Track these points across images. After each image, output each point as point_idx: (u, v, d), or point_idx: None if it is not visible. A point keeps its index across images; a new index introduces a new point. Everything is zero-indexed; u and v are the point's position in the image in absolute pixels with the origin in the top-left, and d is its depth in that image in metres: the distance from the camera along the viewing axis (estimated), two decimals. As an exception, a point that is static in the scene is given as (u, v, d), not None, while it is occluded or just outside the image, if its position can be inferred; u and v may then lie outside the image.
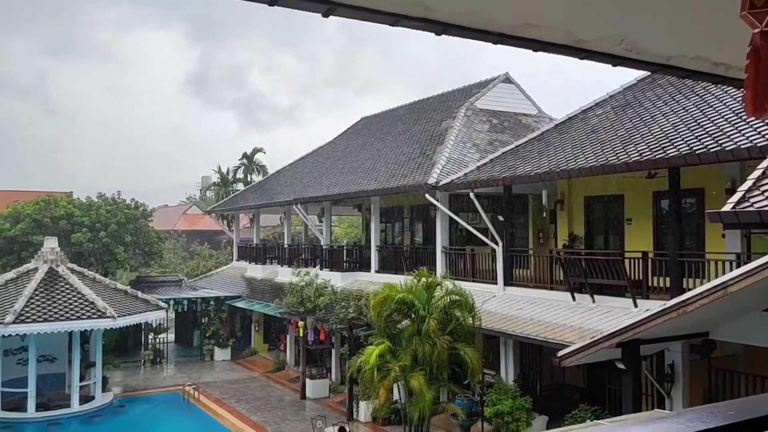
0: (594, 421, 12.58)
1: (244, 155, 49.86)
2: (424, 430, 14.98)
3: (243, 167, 49.95)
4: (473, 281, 18.55)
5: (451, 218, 20.03)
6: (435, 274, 17.64)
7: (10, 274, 22.03)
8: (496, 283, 18.10)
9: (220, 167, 50.77)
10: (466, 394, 16.24)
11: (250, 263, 33.11)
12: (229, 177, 50.18)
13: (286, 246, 30.62)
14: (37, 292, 20.30)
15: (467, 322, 15.24)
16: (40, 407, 20.25)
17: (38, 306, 19.76)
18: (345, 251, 25.75)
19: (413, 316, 14.99)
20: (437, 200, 19.55)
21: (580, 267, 15.22)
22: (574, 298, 15.35)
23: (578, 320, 14.43)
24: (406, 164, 22.64)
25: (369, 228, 25.30)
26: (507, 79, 25.68)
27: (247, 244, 35.76)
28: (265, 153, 50.41)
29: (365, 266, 24.38)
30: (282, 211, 33.07)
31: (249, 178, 49.02)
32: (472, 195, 18.00)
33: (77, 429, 19.84)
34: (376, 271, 23.37)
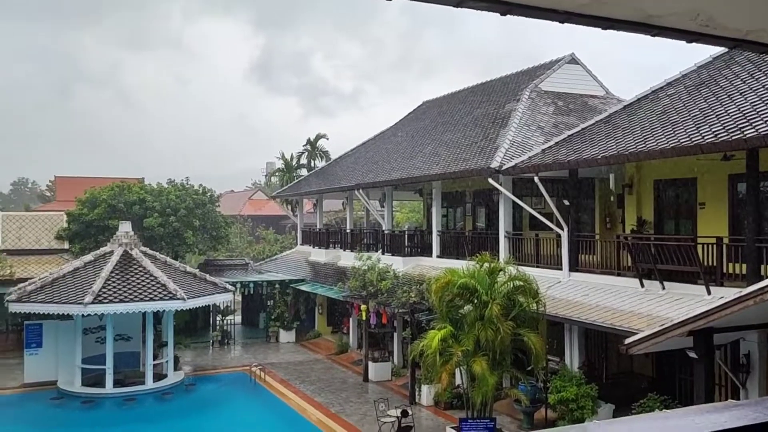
0: (664, 410, 12.25)
1: (308, 141, 50.51)
2: (487, 414, 14.93)
3: (306, 153, 50.63)
4: (537, 267, 18.27)
5: (514, 203, 19.75)
6: (498, 259, 17.46)
7: (89, 257, 23.13)
8: (560, 269, 17.77)
9: (283, 153, 51.62)
10: (530, 380, 16.08)
11: (313, 247, 33.64)
12: (293, 163, 50.96)
13: (348, 231, 30.94)
14: (113, 274, 21.25)
15: (531, 308, 15.06)
16: (117, 383, 21.28)
17: (114, 287, 20.69)
18: (406, 236, 25.80)
19: (475, 301, 14.91)
20: (500, 184, 19.29)
21: (649, 252, 14.76)
22: (642, 285, 14.91)
23: (647, 307, 14.02)
24: (468, 148, 22.42)
25: (430, 213, 25.25)
26: (573, 60, 25.01)
27: (311, 228, 36.33)
28: (328, 139, 50.95)
29: (427, 251, 24.37)
30: (344, 196, 33.38)
31: (312, 164, 49.65)
32: (536, 179, 17.68)
33: (152, 405, 20.74)
34: (438, 256, 23.34)
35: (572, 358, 16.81)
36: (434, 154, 24.72)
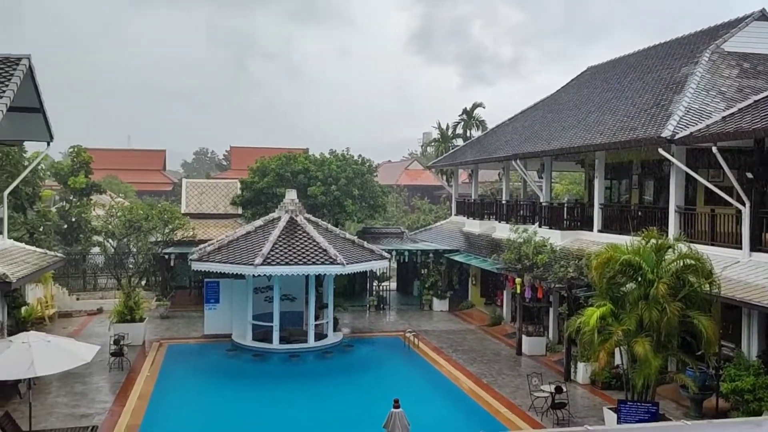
0: None
1: (464, 111, 50.14)
2: (649, 398, 14.13)
3: (462, 123, 50.33)
4: (712, 245, 16.81)
5: (687, 175, 18.23)
6: (666, 235, 16.28)
7: (259, 222, 24.89)
8: (740, 248, 16.18)
9: (439, 123, 51.75)
10: (699, 366, 14.94)
11: (467, 218, 33.57)
12: (449, 133, 50.92)
13: (503, 202, 30.44)
14: (280, 239, 22.70)
15: (703, 289, 13.90)
16: (282, 340, 22.86)
17: (281, 251, 22.10)
18: (565, 209, 24.85)
19: (639, 279, 14.05)
20: (672, 155, 17.88)
21: None
22: (841, 269, 13.17)
23: None
24: (636, 116, 20.99)
25: (592, 185, 24.06)
26: (763, 16, 22.35)
27: (465, 199, 36.23)
28: (484, 108, 50.23)
29: (587, 225, 23.32)
30: (500, 167, 32.81)
31: (468, 134, 49.30)
32: (714, 149, 16.13)
33: (313, 362, 22.07)
34: (599, 231, 22.25)
35: (750, 346, 15.34)
36: (598, 122, 23.44)
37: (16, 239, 22.68)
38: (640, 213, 20.90)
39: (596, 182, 22.97)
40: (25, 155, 29.86)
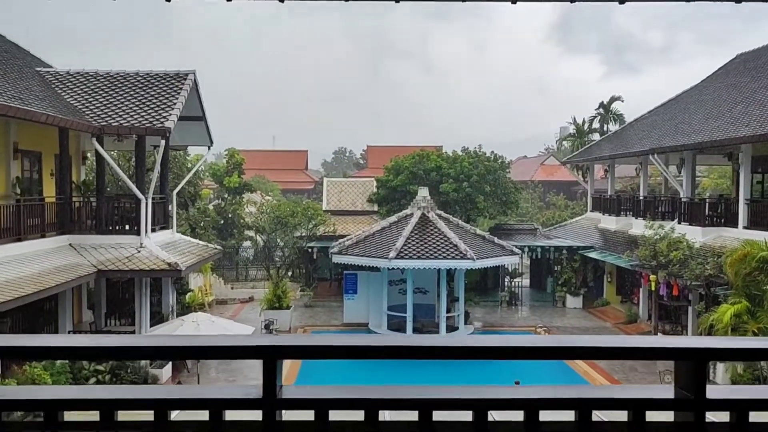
0: None
1: (601, 105, 48.71)
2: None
3: (599, 117, 48.91)
4: None
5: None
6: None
7: (393, 218, 26.19)
8: None
9: (574, 118, 50.60)
10: None
11: (603, 214, 32.87)
12: (585, 127, 49.68)
13: (641, 198, 29.55)
14: (412, 234, 23.81)
15: None
16: (415, 331, 23.95)
17: (413, 245, 23.20)
18: (707, 204, 23.81)
19: (780, 276, 13.55)
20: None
21: None
22: None
23: None
24: (786, 106, 19.77)
25: (739, 179, 22.87)
26: None
27: (602, 195, 35.41)
28: (622, 101, 48.43)
29: (732, 221, 22.24)
30: (638, 162, 31.80)
31: (605, 128, 47.86)
32: None
33: (444, 353, 22.91)
34: (744, 227, 21.18)
35: None
36: (744, 113, 22.26)
37: (181, 234, 25.59)
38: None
39: (742, 176, 21.88)
40: (187, 158, 33.37)
